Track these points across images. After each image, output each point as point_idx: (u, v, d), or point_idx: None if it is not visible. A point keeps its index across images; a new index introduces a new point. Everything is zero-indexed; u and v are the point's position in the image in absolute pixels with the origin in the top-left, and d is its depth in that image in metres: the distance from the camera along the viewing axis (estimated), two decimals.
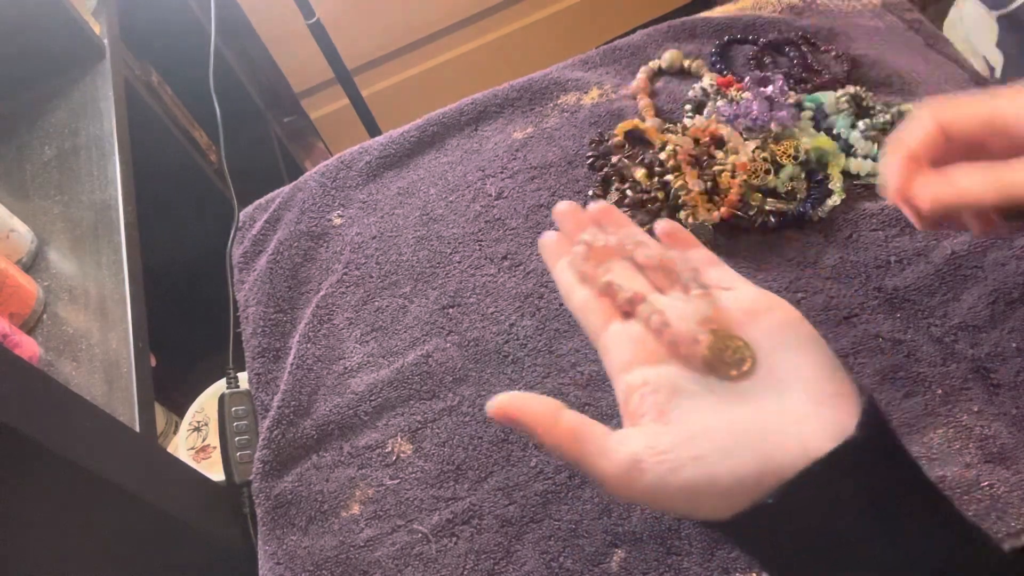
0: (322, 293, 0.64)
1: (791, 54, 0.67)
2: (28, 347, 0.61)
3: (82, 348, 0.63)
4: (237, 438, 0.59)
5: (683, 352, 0.33)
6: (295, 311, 0.64)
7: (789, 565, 0.30)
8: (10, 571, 0.50)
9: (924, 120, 0.37)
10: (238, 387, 0.63)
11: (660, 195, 0.60)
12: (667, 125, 0.65)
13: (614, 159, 0.63)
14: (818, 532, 0.29)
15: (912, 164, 0.37)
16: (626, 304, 0.36)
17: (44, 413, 0.45)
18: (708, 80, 0.66)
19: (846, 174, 0.59)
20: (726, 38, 0.70)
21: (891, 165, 0.37)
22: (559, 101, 0.70)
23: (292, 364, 0.60)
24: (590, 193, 0.63)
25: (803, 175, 0.59)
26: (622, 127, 0.65)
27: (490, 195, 0.66)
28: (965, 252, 0.53)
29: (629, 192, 0.61)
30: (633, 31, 0.74)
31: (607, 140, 0.65)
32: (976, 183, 0.34)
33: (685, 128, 0.62)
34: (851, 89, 0.62)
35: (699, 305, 0.34)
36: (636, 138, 0.66)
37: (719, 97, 0.64)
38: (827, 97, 0.62)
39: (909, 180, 0.37)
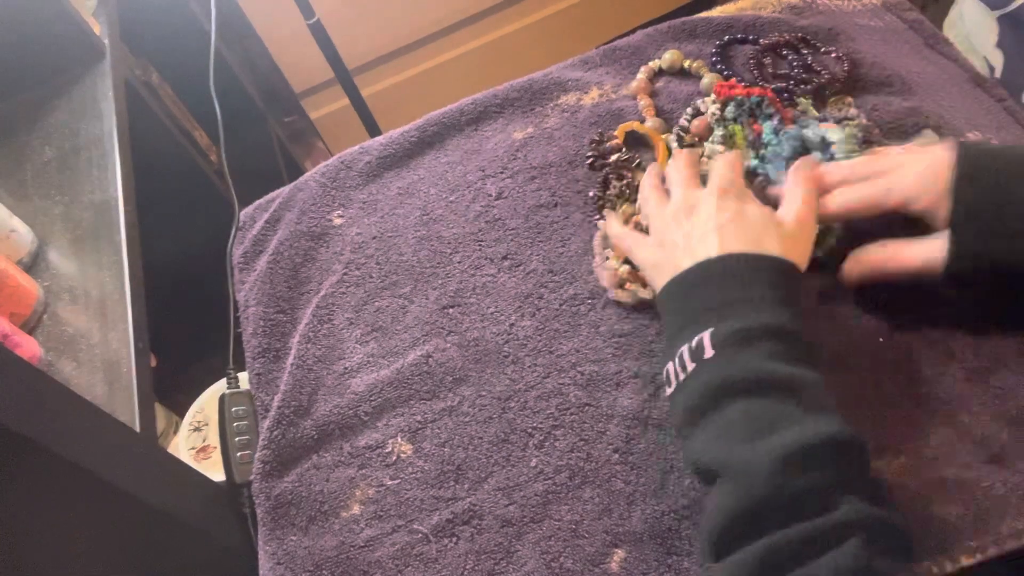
0: (322, 293, 0.64)
1: (789, 57, 0.67)
2: (28, 347, 0.62)
3: (82, 348, 0.63)
4: (237, 438, 0.59)
5: None
6: (295, 311, 0.64)
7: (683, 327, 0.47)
8: (10, 571, 0.50)
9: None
10: (238, 387, 0.63)
11: None
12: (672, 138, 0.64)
13: (612, 158, 0.63)
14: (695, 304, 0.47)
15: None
16: None
17: (44, 413, 0.45)
18: (708, 80, 0.66)
19: None
20: (726, 38, 0.70)
21: None
22: (559, 101, 0.70)
23: (292, 364, 0.60)
24: (591, 194, 0.63)
25: None
26: (622, 129, 0.65)
27: (490, 195, 0.66)
28: None
29: (627, 191, 0.61)
30: (633, 31, 0.74)
31: (606, 141, 0.65)
32: (878, 259, 0.51)
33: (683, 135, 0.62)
34: (860, 120, 0.60)
35: None
36: (636, 139, 0.66)
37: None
38: (835, 134, 0.58)
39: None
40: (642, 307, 0.57)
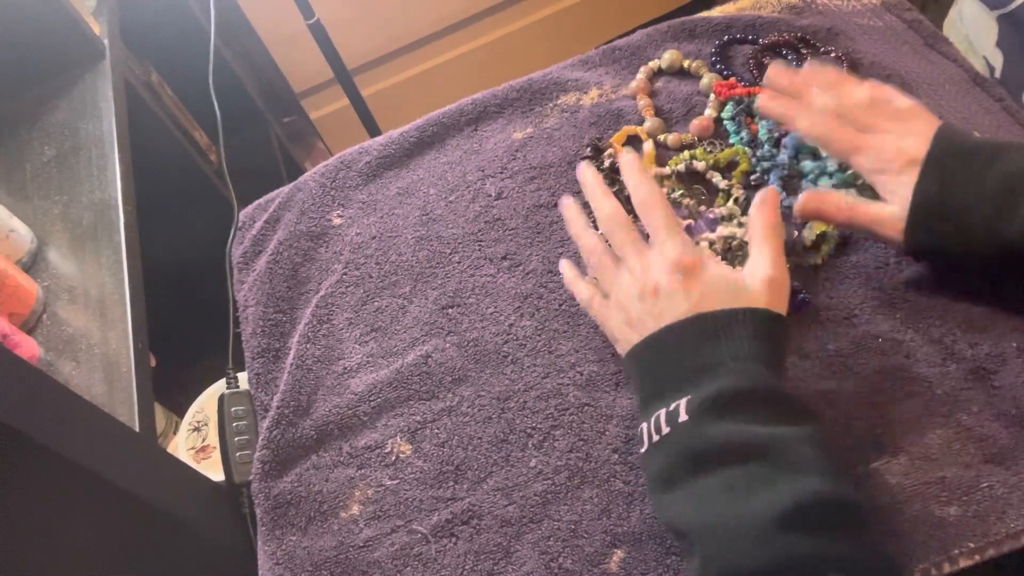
0: (322, 293, 0.64)
1: (789, 57, 0.67)
2: (28, 347, 0.62)
3: (82, 348, 0.63)
4: (237, 438, 0.59)
5: None
6: (295, 311, 0.64)
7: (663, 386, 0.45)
8: (10, 571, 0.50)
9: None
10: (238, 387, 0.63)
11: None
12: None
13: (606, 163, 0.63)
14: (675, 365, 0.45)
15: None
16: None
17: (44, 413, 0.45)
18: (707, 80, 0.66)
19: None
20: (726, 38, 0.70)
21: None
22: (559, 101, 0.70)
23: (292, 364, 0.60)
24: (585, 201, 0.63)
25: None
26: (618, 138, 0.65)
27: (490, 195, 0.66)
28: None
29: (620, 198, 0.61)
30: (633, 31, 0.74)
31: (605, 148, 0.65)
32: (834, 205, 0.51)
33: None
34: None
35: None
36: (636, 143, 0.65)
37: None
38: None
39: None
40: None
